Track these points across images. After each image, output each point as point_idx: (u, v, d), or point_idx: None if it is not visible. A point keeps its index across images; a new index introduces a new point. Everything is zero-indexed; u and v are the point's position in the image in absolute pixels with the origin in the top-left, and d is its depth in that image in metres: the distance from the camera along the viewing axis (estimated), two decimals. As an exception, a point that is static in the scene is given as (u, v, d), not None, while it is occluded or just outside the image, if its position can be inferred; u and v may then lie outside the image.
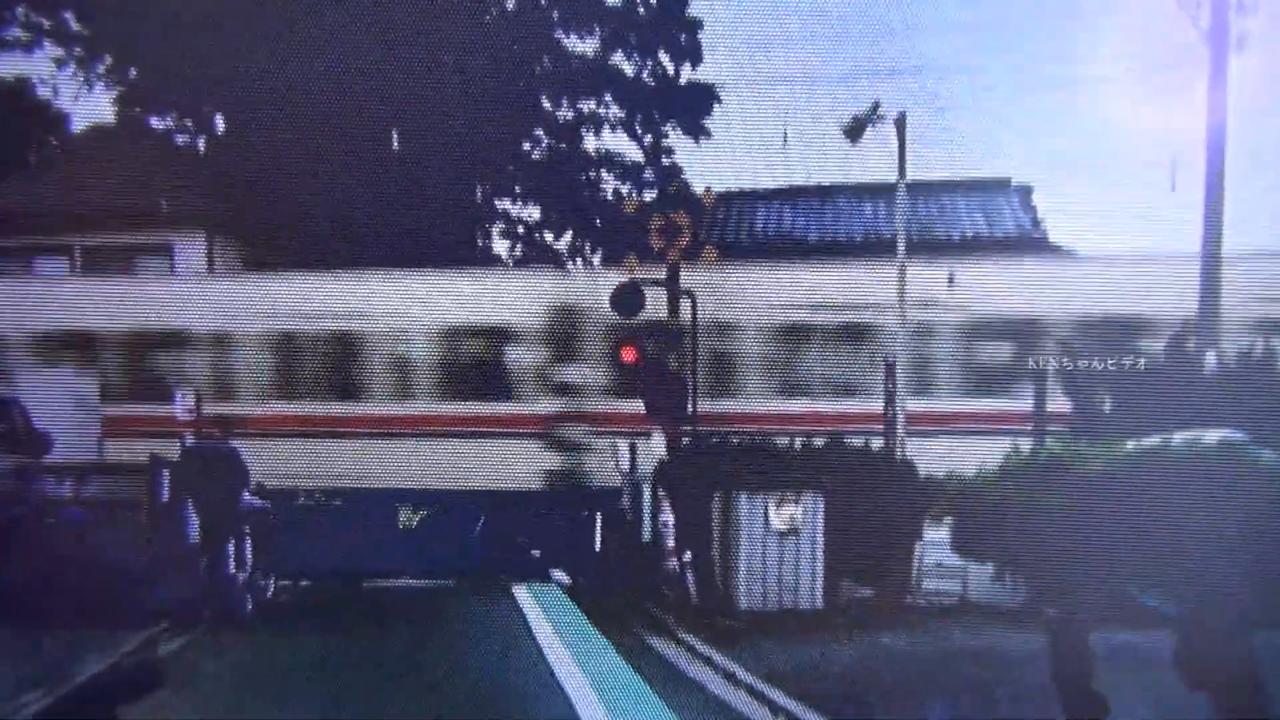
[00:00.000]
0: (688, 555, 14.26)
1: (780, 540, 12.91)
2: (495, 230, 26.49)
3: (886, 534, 13.74)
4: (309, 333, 18.78)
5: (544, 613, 14.48)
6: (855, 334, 17.41)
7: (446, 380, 18.65)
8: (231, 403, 17.63)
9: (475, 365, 18.72)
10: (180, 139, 27.41)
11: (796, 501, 12.92)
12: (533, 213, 26.30)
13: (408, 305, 18.74)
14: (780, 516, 12.88)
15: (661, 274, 17.20)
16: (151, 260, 24.07)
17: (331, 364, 18.65)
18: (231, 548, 13.60)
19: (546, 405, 18.55)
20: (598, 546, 17.36)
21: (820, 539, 12.96)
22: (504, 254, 26.47)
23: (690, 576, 14.16)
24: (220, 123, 26.97)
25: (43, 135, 29.67)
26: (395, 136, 24.23)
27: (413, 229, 22.72)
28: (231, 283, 20.45)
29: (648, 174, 24.36)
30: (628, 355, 17.20)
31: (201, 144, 27.23)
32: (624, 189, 24.05)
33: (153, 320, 18.70)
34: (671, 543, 15.56)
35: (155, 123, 27.51)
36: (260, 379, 18.50)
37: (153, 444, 15.13)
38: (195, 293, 19.47)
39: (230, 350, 18.45)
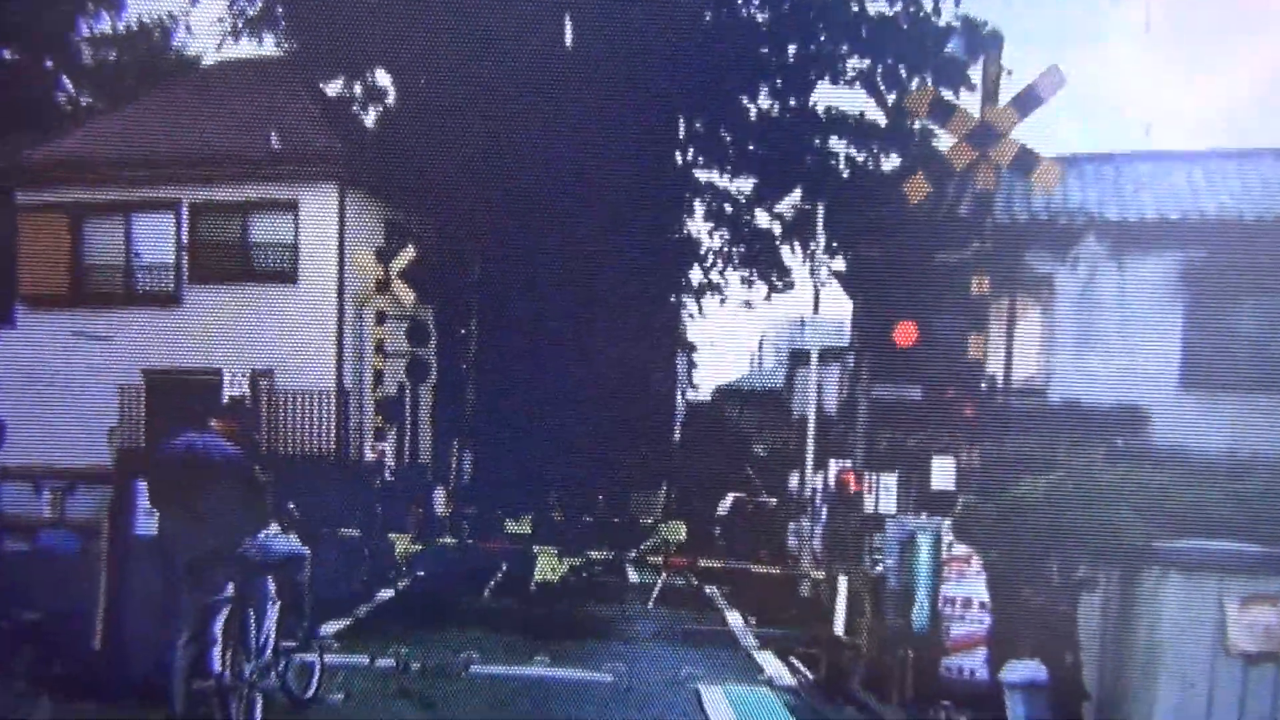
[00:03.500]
0: (1020, 671, 7.93)
1: (1246, 670, 6.48)
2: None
3: None
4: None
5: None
6: None
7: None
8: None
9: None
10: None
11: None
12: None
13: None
14: (1250, 625, 6.46)
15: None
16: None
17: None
18: (225, 621, 7.80)
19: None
20: (839, 629, 11.14)
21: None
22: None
23: (1026, 710, 7.84)
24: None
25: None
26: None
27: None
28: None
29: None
30: (903, 335, 11.14)
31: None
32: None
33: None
34: (975, 632, 9.36)
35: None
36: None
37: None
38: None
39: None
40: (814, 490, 15.91)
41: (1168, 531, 6.96)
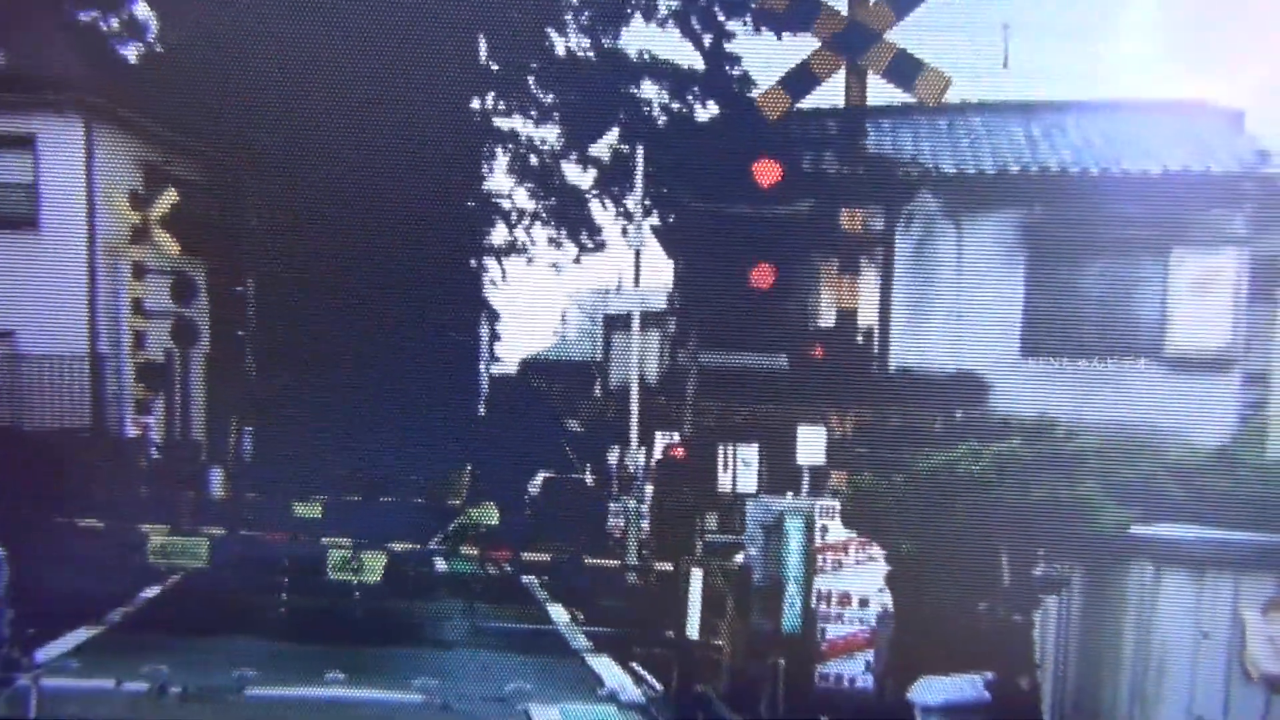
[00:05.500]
0: (940, 690, 6.39)
1: (1271, 699, 5.05)
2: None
3: None
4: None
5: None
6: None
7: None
8: None
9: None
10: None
11: (1314, 601, 5.05)
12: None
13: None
14: (1276, 639, 5.01)
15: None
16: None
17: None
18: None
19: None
20: (693, 630, 9.47)
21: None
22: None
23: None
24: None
25: None
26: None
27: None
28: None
29: None
30: (760, 277, 9.61)
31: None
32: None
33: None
34: (856, 634, 7.85)
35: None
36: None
37: None
38: None
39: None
40: (641, 468, 14.34)
41: (1144, 516, 5.47)
